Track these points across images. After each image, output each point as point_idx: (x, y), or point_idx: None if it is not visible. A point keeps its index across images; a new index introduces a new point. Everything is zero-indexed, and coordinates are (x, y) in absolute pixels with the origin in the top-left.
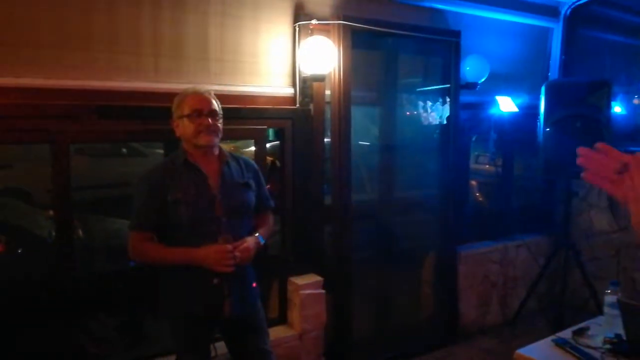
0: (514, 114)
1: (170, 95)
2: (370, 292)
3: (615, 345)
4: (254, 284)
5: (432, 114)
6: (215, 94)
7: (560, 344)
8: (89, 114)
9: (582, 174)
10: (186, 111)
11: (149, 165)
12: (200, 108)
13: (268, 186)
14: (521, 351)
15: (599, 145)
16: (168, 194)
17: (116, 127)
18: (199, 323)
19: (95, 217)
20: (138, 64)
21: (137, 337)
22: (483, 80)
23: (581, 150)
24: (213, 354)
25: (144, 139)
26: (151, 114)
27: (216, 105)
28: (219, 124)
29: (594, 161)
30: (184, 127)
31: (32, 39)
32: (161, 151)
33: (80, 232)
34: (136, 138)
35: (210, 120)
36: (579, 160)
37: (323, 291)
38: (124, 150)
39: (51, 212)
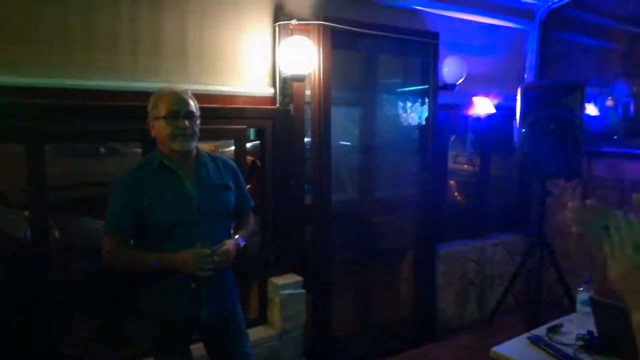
0: (491, 115)
1: (148, 94)
2: (351, 291)
3: (587, 341)
4: (234, 286)
5: (411, 114)
6: (193, 94)
7: (535, 341)
8: (64, 113)
9: (573, 229)
10: (162, 112)
11: (127, 164)
12: (177, 109)
13: (249, 186)
14: (497, 349)
15: (588, 202)
16: (144, 198)
17: (92, 127)
18: (177, 327)
19: (72, 217)
20: (115, 63)
21: (116, 339)
22: (461, 81)
23: (572, 206)
24: (191, 356)
25: (120, 139)
26: (128, 113)
27: (193, 106)
28: (196, 127)
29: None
30: (159, 129)
31: (6, 36)
32: (139, 149)
33: (57, 233)
34: (113, 138)
35: (187, 122)
36: (567, 215)
37: (303, 291)
38: (102, 149)
39: (26, 213)
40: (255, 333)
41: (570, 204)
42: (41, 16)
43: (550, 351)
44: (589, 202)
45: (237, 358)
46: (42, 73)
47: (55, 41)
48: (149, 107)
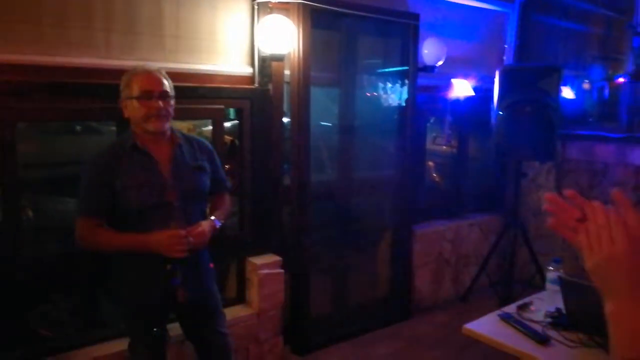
0: (469, 97)
1: (122, 73)
2: (329, 270)
3: (556, 318)
4: (211, 265)
5: (391, 95)
6: (170, 72)
7: (505, 318)
8: (37, 90)
9: (547, 222)
10: (135, 92)
11: (104, 143)
12: (151, 89)
13: (228, 166)
14: (469, 326)
15: (567, 192)
16: (116, 180)
17: (65, 105)
18: (153, 309)
19: (47, 197)
20: (89, 39)
21: (92, 320)
22: (440, 63)
23: (548, 196)
24: (167, 337)
25: (94, 118)
26: (102, 92)
27: (168, 85)
28: (170, 107)
29: (560, 208)
30: (132, 109)
31: None
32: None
33: (30, 213)
34: (86, 116)
35: (161, 103)
36: (545, 207)
37: (281, 270)
38: (78, 127)
39: None
40: (233, 312)
41: (547, 194)
42: None
43: (520, 328)
44: (568, 192)
45: (213, 338)
46: (14, 49)
47: (27, 17)
48: (122, 86)
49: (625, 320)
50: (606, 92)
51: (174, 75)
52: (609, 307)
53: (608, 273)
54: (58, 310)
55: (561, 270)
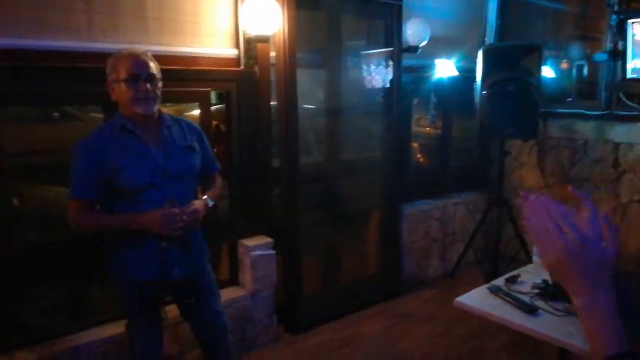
0: (453, 78)
1: (105, 56)
2: (319, 251)
3: (542, 289)
4: (203, 246)
5: (376, 77)
6: (154, 55)
7: (494, 290)
8: (14, 74)
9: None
10: (122, 75)
11: (85, 130)
12: (138, 73)
13: (215, 150)
14: (460, 299)
15: (521, 194)
16: (108, 162)
17: (44, 90)
18: (148, 287)
19: (28, 186)
20: (69, 21)
21: (84, 305)
22: (424, 43)
23: (522, 194)
24: (164, 316)
25: (80, 103)
26: (87, 76)
27: (154, 68)
28: (158, 89)
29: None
30: (120, 92)
31: None
32: (99, 115)
33: (15, 201)
34: (71, 101)
35: (148, 86)
36: (519, 202)
37: (273, 252)
38: (56, 114)
39: None
40: (227, 294)
41: (521, 193)
42: None
43: (508, 299)
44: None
45: (209, 316)
46: None
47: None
48: (108, 70)
49: (587, 317)
50: (585, 70)
51: (158, 58)
52: (576, 302)
53: (568, 268)
54: (48, 298)
55: None
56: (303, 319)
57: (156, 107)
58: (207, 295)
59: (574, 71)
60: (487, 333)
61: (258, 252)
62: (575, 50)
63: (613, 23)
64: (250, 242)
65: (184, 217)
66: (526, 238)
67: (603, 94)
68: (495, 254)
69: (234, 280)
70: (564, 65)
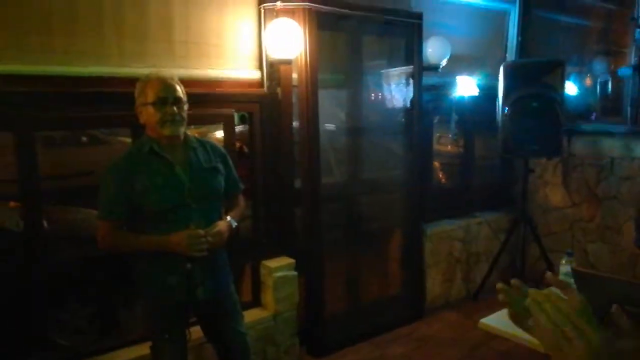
0: (474, 95)
1: (134, 80)
2: (341, 271)
3: None
4: (227, 267)
5: (397, 96)
6: (180, 78)
7: None
8: (53, 100)
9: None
10: (150, 98)
11: (113, 154)
12: (165, 96)
13: (237, 171)
14: (484, 320)
15: (512, 281)
16: (136, 183)
17: (81, 114)
18: (173, 308)
19: (58, 208)
20: (100, 48)
21: (110, 326)
22: (445, 61)
23: (498, 286)
24: (188, 337)
25: (110, 126)
26: (117, 100)
27: (181, 91)
28: (184, 112)
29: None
30: (148, 115)
31: None
32: (125, 139)
33: (45, 223)
34: (102, 125)
35: (175, 108)
36: (499, 296)
37: (295, 273)
38: (84, 138)
39: (11, 204)
40: (250, 315)
41: (498, 284)
42: (21, 0)
43: None
44: (513, 281)
45: (233, 337)
46: (27, 60)
47: (37, 27)
48: (136, 94)
49: None
50: (609, 85)
51: (184, 81)
52: None
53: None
54: (76, 318)
55: (573, 263)
56: (325, 341)
57: (182, 130)
58: (231, 315)
59: (598, 87)
60: (514, 357)
61: (280, 274)
62: (598, 65)
63: (638, 37)
64: (272, 263)
65: (209, 238)
66: (551, 258)
67: (628, 109)
68: (521, 275)
69: (256, 302)
70: (588, 81)
